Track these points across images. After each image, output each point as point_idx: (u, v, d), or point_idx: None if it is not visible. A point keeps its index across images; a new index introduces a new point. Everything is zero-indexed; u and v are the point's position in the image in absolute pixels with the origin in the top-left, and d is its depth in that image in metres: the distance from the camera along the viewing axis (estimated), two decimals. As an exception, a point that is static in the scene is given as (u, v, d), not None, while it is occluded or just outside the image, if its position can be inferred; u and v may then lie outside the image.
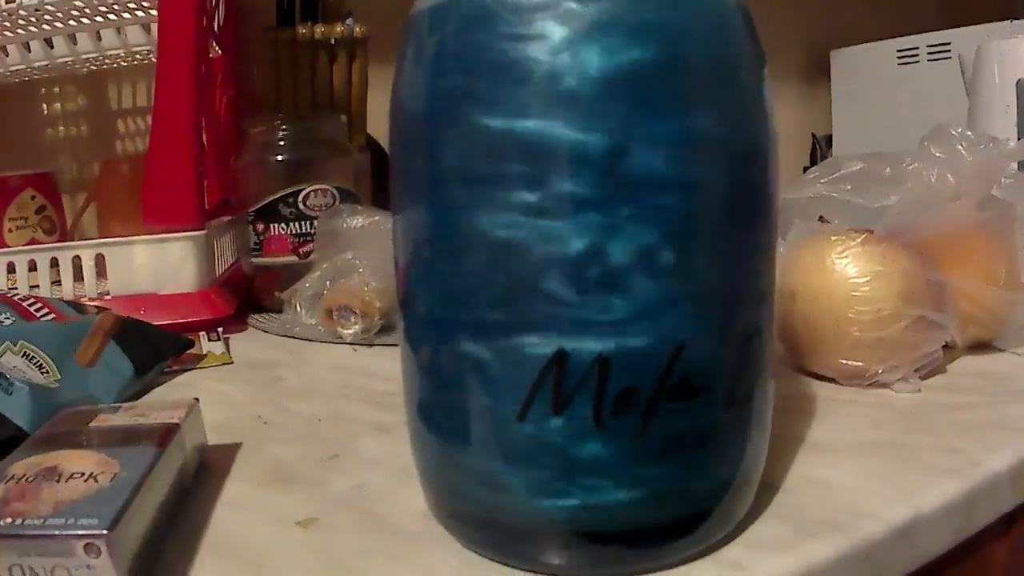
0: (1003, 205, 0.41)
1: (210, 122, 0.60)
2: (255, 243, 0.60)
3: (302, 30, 0.67)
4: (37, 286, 0.54)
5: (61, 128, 0.77)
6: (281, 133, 0.59)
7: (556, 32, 0.19)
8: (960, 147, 0.41)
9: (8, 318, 0.40)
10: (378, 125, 0.74)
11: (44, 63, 0.61)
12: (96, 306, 0.47)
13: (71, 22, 0.59)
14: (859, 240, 0.37)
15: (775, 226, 0.23)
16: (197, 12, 0.53)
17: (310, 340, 0.51)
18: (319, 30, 0.67)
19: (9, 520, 0.21)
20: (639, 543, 0.21)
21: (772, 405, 0.25)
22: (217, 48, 0.65)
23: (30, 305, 0.42)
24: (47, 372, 0.37)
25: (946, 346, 0.37)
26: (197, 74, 0.54)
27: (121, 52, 0.61)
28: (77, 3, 0.56)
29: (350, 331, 0.50)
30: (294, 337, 0.52)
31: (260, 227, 0.59)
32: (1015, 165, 0.42)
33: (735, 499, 0.23)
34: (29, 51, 0.61)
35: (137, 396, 0.41)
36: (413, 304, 0.23)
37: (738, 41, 0.21)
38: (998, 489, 0.28)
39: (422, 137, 0.21)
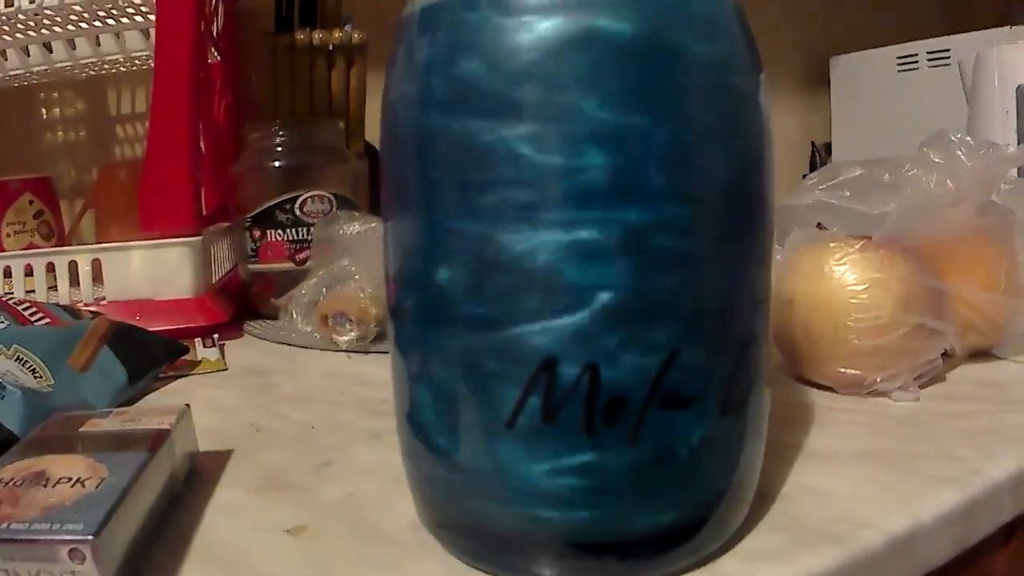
0: (1003, 211, 0.41)
1: (208, 128, 0.60)
2: (251, 249, 0.60)
3: (300, 36, 0.67)
4: (33, 291, 0.54)
5: (60, 133, 0.77)
6: (279, 139, 0.59)
7: (549, 32, 0.19)
8: (959, 153, 0.40)
9: (2, 322, 0.40)
10: (376, 132, 0.73)
11: (43, 68, 0.62)
12: (91, 311, 0.47)
13: (70, 26, 0.59)
14: (857, 247, 0.37)
15: (771, 232, 0.23)
16: (195, 17, 0.53)
17: (306, 347, 0.51)
18: (318, 36, 0.67)
19: (-5, 525, 0.21)
20: (631, 554, 0.21)
21: (768, 413, 0.24)
22: (216, 54, 0.65)
23: (24, 309, 0.42)
24: (40, 376, 0.37)
25: (945, 354, 0.37)
26: (195, 79, 0.54)
27: (120, 58, 0.61)
28: (76, 7, 0.56)
29: (346, 338, 0.49)
30: (290, 344, 0.52)
31: (257, 233, 0.59)
32: (1015, 171, 0.42)
33: (730, 509, 0.23)
34: (28, 55, 0.61)
35: (131, 402, 0.41)
36: (402, 312, 0.23)
37: (734, 41, 0.21)
38: (998, 498, 0.28)
39: (413, 141, 0.21)
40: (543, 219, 0.19)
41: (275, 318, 0.56)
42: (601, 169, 0.19)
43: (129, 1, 0.56)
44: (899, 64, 1.02)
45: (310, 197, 0.58)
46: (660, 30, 0.19)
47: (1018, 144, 0.69)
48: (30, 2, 0.55)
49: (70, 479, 0.24)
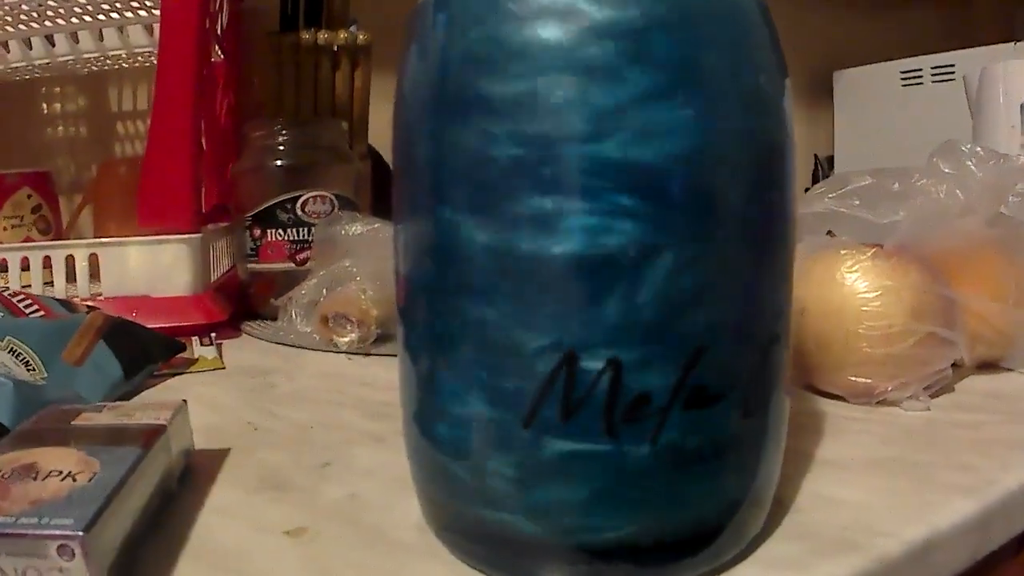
0: (1012, 223, 0.41)
1: (210, 125, 0.60)
2: (251, 248, 0.59)
3: (305, 36, 0.67)
4: (29, 285, 0.53)
5: (60, 128, 0.76)
6: (281, 138, 0.58)
7: (571, 24, 0.18)
8: (969, 163, 0.40)
9: (-5, 315, 0.39)
10: (379, 134, 0.73)
11: (45, 61, 0.61)
12: (87, 305, 0.46)
13: (73, 19, 0.59)
14: (869, 254, 0.36)
15: (794, 231, 0.22)
16: (200, 14, 0.53)
17: (305, 348, 0.50)
18: (323, 36, 0.67)
19: (-20, 518, 0.20)
20: (647, 560, 0.20)
21: (787, 419, 0.24)
22: (219, 52, 0.65)
23: (19, 301, 0.41)
24: (33, 369, 0.36)
25: (954, 365, 0.36)
26: (198, 76, 0.53)
27: (123, 53, 0.61)
28: (80, 0, 0.56)
29: (346, 339, 0.49)
30: (288, 345, 0.51)
31: (257, 232, 0.58)
32: (1024, 183, 0.42)
33: (748, 515, 0.22)
34: (31, 48, 0.60)
35: (126, 398, 0.40)
36: (413, 312, 0.22)
37: (761, 45, 0.21)
38: (1012, 508, 0.28)
39: (426, 140, 0.20)
40: (561, 221, 0.18)
41: (274, 318, 0.55)
42: (622, 167, 0.18)
43: (134, -5, 0.56)
44: (903, 79, 1.03)
45: (312, 197, 0.58)
46: (687, 22, 0.19)
47: (1023, 159, 0.69)
48: (34, -6, 0.55)
49: (61, 473, 0.23)
